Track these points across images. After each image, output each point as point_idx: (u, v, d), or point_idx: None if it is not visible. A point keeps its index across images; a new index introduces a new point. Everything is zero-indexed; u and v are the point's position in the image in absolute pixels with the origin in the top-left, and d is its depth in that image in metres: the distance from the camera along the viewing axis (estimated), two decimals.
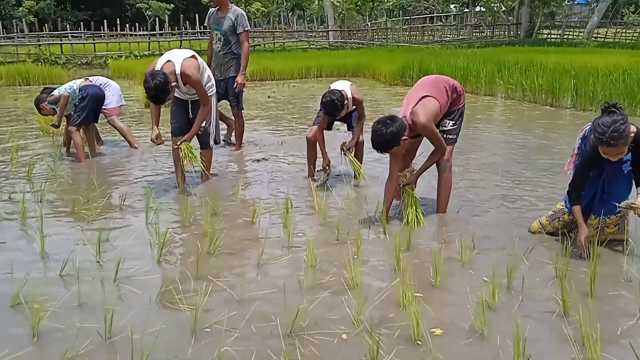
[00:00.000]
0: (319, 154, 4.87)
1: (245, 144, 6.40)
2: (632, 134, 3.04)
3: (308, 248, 3.18)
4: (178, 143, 4.52)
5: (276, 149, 6.26)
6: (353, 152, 4.76)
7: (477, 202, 4.31)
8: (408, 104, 3.77)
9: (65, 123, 6.03)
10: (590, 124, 3.28)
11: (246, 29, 5.95)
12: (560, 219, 3.54)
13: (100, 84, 6.17)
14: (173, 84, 4.21)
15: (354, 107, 4.74)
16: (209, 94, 4.61)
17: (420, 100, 3.71)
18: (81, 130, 5.76)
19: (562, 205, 3.54)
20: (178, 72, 4.29)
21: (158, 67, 4.29)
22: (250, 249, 3.43)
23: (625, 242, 3.38)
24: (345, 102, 4.54)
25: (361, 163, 4.88)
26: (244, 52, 5.95)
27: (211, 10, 6.08)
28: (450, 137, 3.94)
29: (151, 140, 4.55)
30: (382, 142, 3.57)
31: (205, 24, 6.29)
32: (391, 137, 3.53)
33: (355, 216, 3.98)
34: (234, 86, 5.95)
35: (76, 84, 5.85)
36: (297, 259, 3.25)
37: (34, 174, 5.06)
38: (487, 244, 3.46)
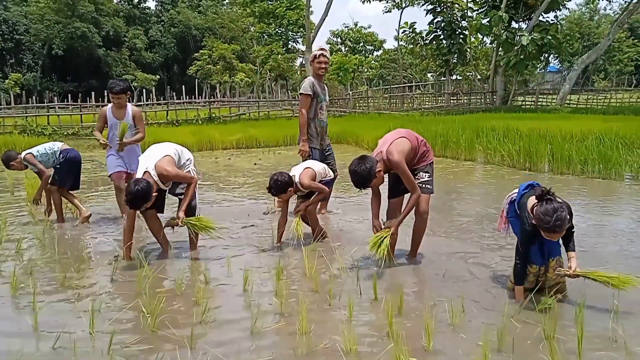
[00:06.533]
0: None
1: (230, 211, 6.48)
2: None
3: (301, 315, 3.22)
4: (180, 224, 4.67)
5: (264, 215, 6.35)
6: (301, 214, 5.06)
7: (463, 266, 4.41)
8: (384, 143, 4.24)
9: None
10: (517, 191, 3.69)
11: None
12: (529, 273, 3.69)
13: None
14: (154, 194, 4.43)
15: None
16: (188, 171, 4.83)
17: (394, 140, 4.20)
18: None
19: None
20: (156, 178, 4.52)
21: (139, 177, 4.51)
22: (243, 316, 3.45)
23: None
24: (290, 189, 4.87)
25: (314, 229, 5.17)
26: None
27: (312, 80, 6.12)
28: (428, 186, 4.36)
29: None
30: (360, 179, 4.03)
31: (308, 92, 6.02)
32: (367, 172, 3.99)
33: (345, 281, 4.03)
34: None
35: (56, 146, 6.18)
36: (290, 326, 3.28)
37: (23, 246, 5.06)
38: (475, 307, 3.54)
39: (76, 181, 6.35)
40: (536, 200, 3.29)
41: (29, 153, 6.06)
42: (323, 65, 6.12)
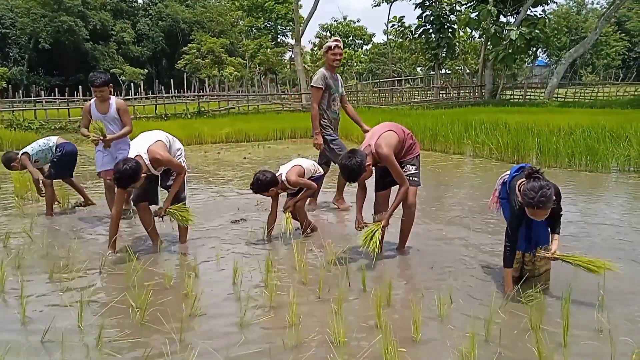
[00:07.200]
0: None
1: (220, 205, 6.47)
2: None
3: (290, 307, 3.23)
4: (162, 214, 4.65)
5: (253, 209, 6.35)
6: (290, 211, 5.07)
7: (451, 257, 4.44)
8: (372, 136, 4.28)
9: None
10: (509, 172, 3.78)
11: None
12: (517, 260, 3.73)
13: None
14: (143, 175, 4.38)
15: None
16: (179, 161, 4.76)
17: (382, 134, 4.25)
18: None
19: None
20: (148, 162, 4.47)
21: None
22: (232, 309, 3.46)
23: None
24: (273, 189, 4.88)
25: (303, 224, 5.20)
26: (352, 109, 6.55)
27: (324, 72, 6.10)
28: (415, 179, 4.42)
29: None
30: (351, 173, 4.07)
31: (319, 85, 6.01)
32: (357, 166, 4.03)
33: (335, 273, 4.05)
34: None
35: (51, 141, 6.17)
36: (280, 319, 3.29)
37: (11, 239, 5.02)
38: (463, 298, 3.57)
39: (70, 171, 6.41)
40: (524, 179, 3.34)
41: (24, 153, 6.10)
42: (338, 57, 6.10)
